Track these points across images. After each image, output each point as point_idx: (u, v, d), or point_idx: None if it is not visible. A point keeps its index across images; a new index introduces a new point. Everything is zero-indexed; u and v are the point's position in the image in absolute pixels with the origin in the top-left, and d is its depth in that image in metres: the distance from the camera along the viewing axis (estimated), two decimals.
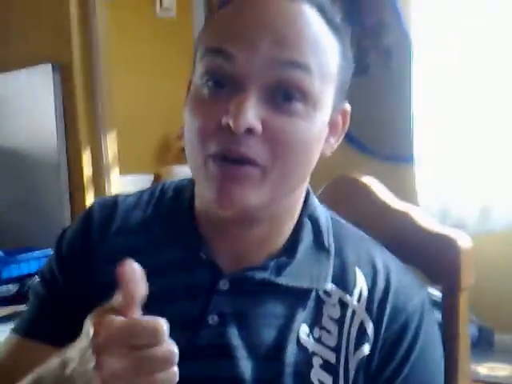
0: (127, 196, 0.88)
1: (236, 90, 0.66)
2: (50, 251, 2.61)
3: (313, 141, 0.69)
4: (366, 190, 0.98)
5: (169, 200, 0.84)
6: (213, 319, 0.74)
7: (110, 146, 2.82)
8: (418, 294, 0.75)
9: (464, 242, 0.82)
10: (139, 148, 3.72)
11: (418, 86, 2.45)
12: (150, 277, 0.76)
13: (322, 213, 0.80)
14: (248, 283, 0.75)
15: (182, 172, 4.40)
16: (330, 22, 0.71)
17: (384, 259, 0.78)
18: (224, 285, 0.75)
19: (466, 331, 0.83)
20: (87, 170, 2.78)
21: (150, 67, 4.57)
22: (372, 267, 0.76)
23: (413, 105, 2.46)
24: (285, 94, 0.67)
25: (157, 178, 4.42)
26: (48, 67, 2.69)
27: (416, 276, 0.79)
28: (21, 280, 2.56)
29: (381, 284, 0.75)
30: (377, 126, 2.61)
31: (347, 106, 0.76)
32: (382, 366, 0.73)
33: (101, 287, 0.78)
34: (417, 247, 0.88)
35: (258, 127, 0.66)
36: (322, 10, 0.71)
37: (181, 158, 4.79)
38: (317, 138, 0.70)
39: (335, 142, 0.76)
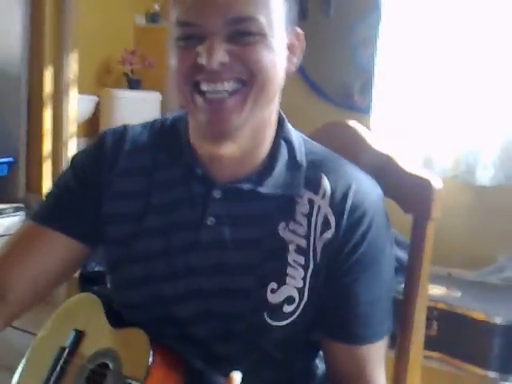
0: (134, 125, 1.04)
1: (203, 40, 0.85)
2: (3, 160, 2.68)
3: (273, 60, 0.87)
4: (353, 134, 1.14)
5: (169, 127, 1.02)
6: (211, 221, 0.94)
7: (72, 64, 2.84)
8: (373, 194, 0.96)
9: (437, 182, 1.02)
10: (82, 69, 3.72)
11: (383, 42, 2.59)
12: (158, 191, 0.98)
13: (295, 135, 0.99)
14: (236, 192, 0.94)
15: (121, 95, 4.42)
16: None
17: (347, 168, 0.97)
18: (217, 194, 0.95)
19: (430, 255, 1.03)
20: (47, 86, 2.80)
21: None
22: (336, 173, 0.96)
23: (374, 57, 2.62)
24: (239, 35, 0.84)
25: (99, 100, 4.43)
26: None
27: (374, 181, 0.98)
28: None
29: (343, 186, 0.94)
30: (330, 73, 2.75)
31: (299, 30, 0.94)
32: (342, 246, 0.93)
33: (113, 194, 0.99)
34: (396, 183, 1.06)
35: (226, 59, 0.84)
36: None
37: (120, 82, 4.80)
38: (277, 57, 0.88)
39: (296, 60, 0.94)
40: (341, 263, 0.94)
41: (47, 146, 2.85)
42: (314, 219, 0.94)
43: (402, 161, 1.07)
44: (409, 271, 1.04)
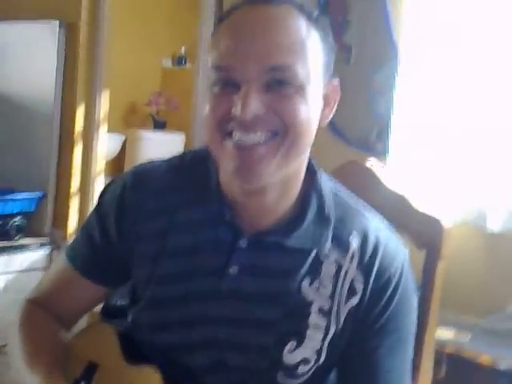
0: (157, 163, 1.04)
1: (239, 88, 0.84)
2: (34, 194, 2.75)
3: (309, 112, 0.86)
4: (370, 174, 1.21)
5: (191, 166, 1.01)
6: (233, 270, 0.92)
7: (103, 103, 2.94)
8: (400, 256, 0.94)
9: (447, 222, 1.07)
10: (110, 109, 3.84)
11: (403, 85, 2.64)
12: (183, 232, 0.96)
13: (327, 187, 0.97)
14: (262, 243, 0.93)
15: (146, 135, 4.50)
16: (309, 16, 0.87)
17: (375, 227, 0.96)
18: (243, 243, 0.93)
19: (440, 292, 1.07)
20: (79, 125, 2.90)
21: (139, 38, 4.70)
22: (364, 234, 0.94)
23: (393, 101, 2.68)
24: (277, 84, 0.83)
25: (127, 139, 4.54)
26: (55, 23, 2.81)
27: (401, 241, 0.97)
28: (3, 219, 2.68)
29: (370, 249, 0.93)
30: (349, 118, 2.81)
31: (335, 81, 0.93)
32: (367, 311, 0.92)
33: (139, 238, 0.98)
34: (410, 222, 1.11)
35: (262, 111, 0.83)
36: (301, 9, 0.87)
37: (146, 123, 4.92)
38: (312, 110, 0.87)
39: (329, 112, 0.93)
40: (364, 329, 0.92)
41: (75, 182, 2.92)
42: (340, 283, 0.92)
43: (415, 201, 1.13)
44: (418, 311, 1.07)
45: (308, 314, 0.91)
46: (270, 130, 0.84)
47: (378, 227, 0.96)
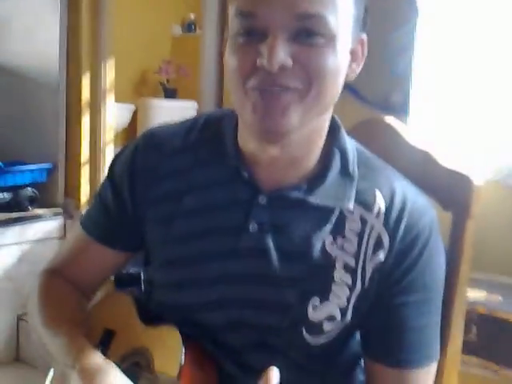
0: (169, 126, 1.01)
1: (265, 37, 0.79)
2: (43, 165, 2.73)
3: (338, 65, 0.82)
4: (389, 130, 1.13)
5: (213, 126, 0.97)
6: (253, 227, 0.89)
7: (109, 72, 2.88)
8: (428, 214, 0.91)
9: (477, 179, 1.00)
10: (119, 78, 3.77)
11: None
12: (198, 192, 0.93)
13: (350, 144, 0.94)
14: (283, 199, 0.89)
15: (157, 104, 4.47)
16: None
17: (401, 184, 0.92)
18: (262, 200, 0.90)
19: (470, 252, 1.01)
20: (85, 93, 2.84)
21: (147, 4, 4.62)
22: (390, 190, 0.91)
23: (412, 55, 2.61)
24: (306, 34, 0.79)
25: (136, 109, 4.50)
26: None
27: (428, 200, 0.93)
28: (15, 190, 2.67)
29: (397, 204, 0.89)
30: (368, 80, 2.74)
31: (364, 36, 0.89)
32: (394, 268, 0.88)
33: (155, 199, 0.95)
34: (435, 180, 1.04)
35: (289, 62, 0.78)
36: None
37: (157, 91, 4.86)
38: (340, 63, 0.83)
39: (357, 67, 0.89)
40: (391, 286, 0.89)
41: (85, 152, 2.88)
42: (365, 239, 0.89)
43: (440, 157, 1.05)
44: (447, 272, 1.01)
45: (332, 271, 0.88)
46: (296, 85, 0.80)
47: (404, 184, 0.93)
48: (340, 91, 0.86)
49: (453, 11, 2.49)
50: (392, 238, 0.88)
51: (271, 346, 0.91)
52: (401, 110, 2.62)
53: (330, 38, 0.79)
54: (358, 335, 0.98)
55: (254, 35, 0.79)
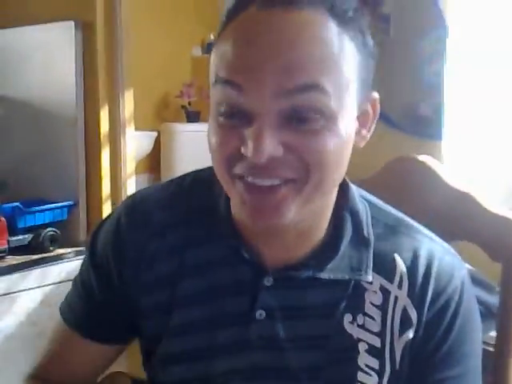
0: (152, 192, 0.87)
1: (251, 119, 0.66)
2: (64, 203, 2.66)
3: (340, 148, 0.68)
4: (425, 170, 1.01)
5: (202, 196, 0.84)
6: (260, 314, 0.78)
7: (127, 103, 2.81)
8: (458, 275, 0.79)
9: None
10: (140, 105, 3.71)
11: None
12: (195, 275, 0.80)
13: (361, 204, 0.81)
14: (291, 279, 0.78)
15: (180, 129, 4.41)
16: (341, 20, 0.67)
17: (424, 242, 0.80)
18: (268, 281, 0.78)
19: None
20: (104, 126, 2.78)
21: (165, 27, 4.57)
22: (413, 251, 0.78)
23: (443, 81, 2.48)
24: (299, 118, 0.65)
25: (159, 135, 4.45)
26: (70, 24, 2.67)
27: (456, 255, 0.82)
28: (35, 230, 2.61)
29: (421, 269, 0.77)
30: (393, 95, 2.61)
31: (375, 94, 0.75)
32: (425, 342, 0.77)
33: (144, 286, 0.82)
34: (478, 226, 0.92)
35: (279, 152, 0.65)
36: (331, 9, 0.67)
37: (179, 116, 4.80)
38: (344, 144, 0.69)
39: (367, 133, 0.76)
40: (423, 362, 0.77)
41: (106, 187, 2.81)
42: (390, 314, 0.77)
43: (484, 199, 0.93)
44: (501, 324, 0.89)
45: (356, 356, 0.77)
46: (290, 176, 0.67)
47: (428, 240, 0.80)
48: (345, 169, 0.73)
49: (485, 18, 2.36)
50: (419, 309, 0.77)
51: None
52: (429, 125, 2.50)
53: (330, 118, 0.66)
54: None
55: (238, 117, 0.66)
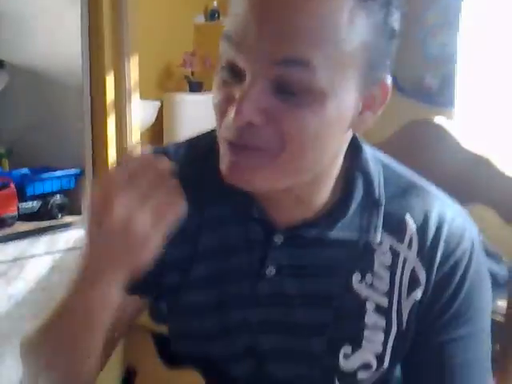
0: (171, 150, 0.86)
1: (243, 81, 0.65)
2: (72, 171, 2.67)
3: (323, 128, 0.66)
4: (440, 132, 1.02)
5: (215, 156, 0.85)
6: (270, 271, 0.78)
7: (133, 70, 2.80)
8: (468, 237, 0.78)
9: None
10: (143, 74, 3.69)
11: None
12: (210, 232, 0.82)
13: (375, 165, 0.81)
14: (301, 238, 0.78)
15: (183, 99, 4.40)
16: None
17: (437, 202, 0.79)
18: (278, 239, 0.78)
19: None
20: (110, 94, 2.77)
21: None
22: (424, 212, 0.78)
23: (450, 52, 2.46)
24: (285, 91, 0.64)
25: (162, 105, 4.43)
26: None
27: (468, 217, 0.80)
28: (44, 198, 2.62)
29: (432, 229, 0.77)
30: (401, 64, 2.61)
31: (387, 78, 0.70)
32: (433, 303, 0.77)
33: (168, 242, 0.83)
34: (494, 189, 0.92)
35: (257, 120, 0.64)
36: None
37: (182, 86, 4.77)
38: (330, 124, 0.67)
39: (372, 116, 0.72)
40: (431, 323, 0.78)
41: (112, 155, 2.82)
42: (398, 275, 0.78)
43: (500, 162, 0.94)
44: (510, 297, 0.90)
45: (363, 314, 0.78)
46: (264, 147, 0.66)
47: (439, 202, 0.79)
48: (338, 151, 0.72)
49: None
50: (428, 270, 0.77)
51: None
52: (435, 96, 2.49)
53: (318, 97, 0.63)
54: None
55: (232, 75, 0.66)
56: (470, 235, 0.79)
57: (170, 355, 0.90)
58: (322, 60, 0.62)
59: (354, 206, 0.77)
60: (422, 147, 0.97)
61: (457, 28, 2.44)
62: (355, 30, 0.64)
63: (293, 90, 0.63)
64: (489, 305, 0.82)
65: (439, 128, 1.02)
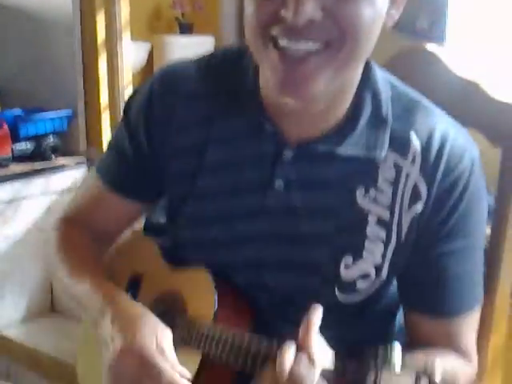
0: (184, 65, 0.93)
1: None
2: (65, 112, 2.66)
3: (375, 16, 0.72)
4: (433, 59, 1.04)
5: (230, 71, 0.88)
6: (278, 184, 0.84)
7: (124, 8, 2.76)
8: (469, 156, 0.83)
9: None
10: (133, 16, 3.65)
11: None
12: (220, 145, 0.86)
13: (383, 82, 0.85)
14: (311, 153, 0.83)
15: (172, 41, 4.35)
16: None
17: (441, 121, 0.84)
18: (288, 154, 0.83)
19: None
20: (100, 33, 2.74)
21: None
22: (428, 130, 0.83)
23: None
24: None
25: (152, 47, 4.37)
26: None
27: (469, 136, 0.86)
28: (37, 139, 2.62)
29: (435, 146, 0.82)
30: None
31: None
32: (432, 216, 0.82)
33: (173, 151, 0.89)
34: (483, 113, 0.96)
35: (318, 16, 0.69)
36: None
37: (172, 28, 4.71)
38: (378, 16, 0.73)
39: (396, 13, 0.79)
40: (429, 236, 0.83)
41: (104, 97, 2.80)
42: (400, 189, 0.82)
43: (490, 88, 0.97)
44: (496, 214, 0.95)
45: (365, 226, 0.83)
46: (325, 40, 0.70)
47: (443, 122, 0.84)
48: (373, 45, 0.76)
49: None
50: (429, 185, 0.81)
51: (302, 306, 0.85)
52: (435, 37, 2.48)
53: None
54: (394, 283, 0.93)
55: None
56: (471, 155, 0.83)
57: (174, 259, 0.95)
58: None
59: (362, 122, 0.82)
60: (414, 73, 0.99)
61: None
62: None
63: None
64: (484, 224, 0.88)
65: (431, 54, 1.04)
